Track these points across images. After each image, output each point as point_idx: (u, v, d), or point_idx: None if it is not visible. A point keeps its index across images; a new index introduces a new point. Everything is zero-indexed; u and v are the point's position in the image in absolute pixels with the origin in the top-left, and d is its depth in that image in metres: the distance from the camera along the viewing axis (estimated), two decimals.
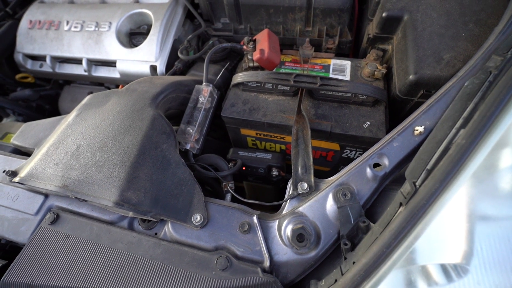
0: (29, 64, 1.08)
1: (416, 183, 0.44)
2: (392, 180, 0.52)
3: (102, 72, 1.02)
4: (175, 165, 0.62)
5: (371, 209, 0.51)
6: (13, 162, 0.74)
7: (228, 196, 0.70)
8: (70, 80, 1.16)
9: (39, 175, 0.62)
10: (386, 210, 0.46)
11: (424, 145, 0.47)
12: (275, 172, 0.78)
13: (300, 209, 0.53)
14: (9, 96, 1.17)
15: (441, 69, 0.62)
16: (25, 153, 0.79)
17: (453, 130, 0.45)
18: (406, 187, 0.45)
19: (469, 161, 0.42)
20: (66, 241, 0.59)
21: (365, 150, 0.73)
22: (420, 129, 0.49)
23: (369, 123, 0.68)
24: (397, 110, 0.74)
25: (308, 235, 0.48)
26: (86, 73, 1.02)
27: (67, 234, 0.60)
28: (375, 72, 0.75)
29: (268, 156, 0.78)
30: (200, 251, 0.53)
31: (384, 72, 0.74)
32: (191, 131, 0.72)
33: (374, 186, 0.50)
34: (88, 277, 0.55)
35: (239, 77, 0.77)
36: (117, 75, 1.00)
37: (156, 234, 0.59)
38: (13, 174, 0.66)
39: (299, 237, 0.48)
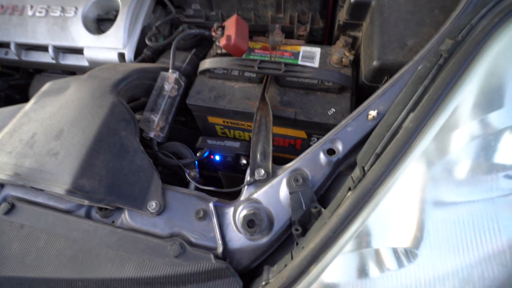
0: None
1: (365, 168, 0.43)
2: (348, 165, 0.52)
3: (71, 60, 0.99)
4: (133, 153, 0.61)
5: (326, 194, 0.51)
6: None
7: (192, 185, 0.69)
8: (39, 68, 1.13)
9: None
10: (337, 195, 0.46)
11: (376, 129, 0.47)
12: (243, 161, 0.78)
13: (255, 195, 0.53)
14: None
15: (404, 55, 0.62)
16: None
17: (403, 114, 0.44)
18: (356, 172, 0.45)
19: (416, 144, 0.41)
20: (20, 231, 0.58)
21: None
22: (373, 113, 0.49)
23: (334, 110, 0.68)
24: (364, 97, 0.73)
25: (258, 221, 0.47)
26: (53, 61, 0.99)
27: (21, 224, 0.58)
28: (343, 59, 0.74)
29: (236, 144, 0.78)
30: (155, 238, 0.53)
31: (352, 58, 0.74)
32: (155, 119, 0.70)
33: (327, 171, 0.50)
34: (42, 266, 0.54)
35: (206, 64, 0.75)
36: (86, 63, 0.96)
37: (113, 222, 0.58)
38: None
39: (249, 223, 0.48)
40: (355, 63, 0.77)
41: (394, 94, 0.49)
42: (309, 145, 0.77)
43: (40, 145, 0.60)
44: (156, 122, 0.70)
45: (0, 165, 0.59)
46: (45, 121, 0.64)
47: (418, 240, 0.42)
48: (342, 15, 0.80)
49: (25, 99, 1.19)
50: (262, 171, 0.54)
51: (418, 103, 0.43)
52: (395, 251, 0.44)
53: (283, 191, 0.51)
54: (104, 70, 0.74)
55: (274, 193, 0.51)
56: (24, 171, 0.57)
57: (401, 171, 0.40)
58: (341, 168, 0.51)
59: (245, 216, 0.48)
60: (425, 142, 0.41)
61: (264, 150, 0.58)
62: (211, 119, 0.78)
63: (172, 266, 0.50)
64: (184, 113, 0.93)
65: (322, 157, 0.50)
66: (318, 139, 0.74)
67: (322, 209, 0.47)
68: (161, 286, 0.50)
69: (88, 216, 0.59)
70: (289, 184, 0.49)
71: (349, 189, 0.44)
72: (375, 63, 0.63)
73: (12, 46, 0.98)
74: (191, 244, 0.52)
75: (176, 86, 0.77)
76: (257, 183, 0.54)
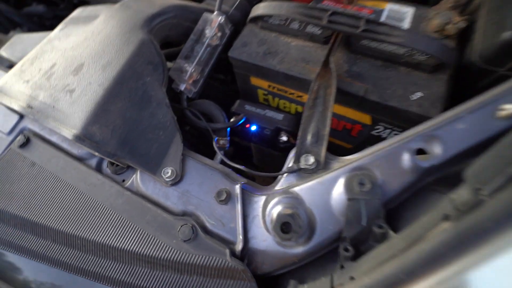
0: None
1: (483, 192, 0.27)
2: (438, 177, 0.36)
3: None
4: (156, 104, 0.50)
5: (397, 211, 0.36)
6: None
7: (219, 156, 0.58)
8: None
9: (7, 91, 0.54)
10: (419, 218, 0.31)
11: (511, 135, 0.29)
12: (283, 137, 0.64)
13: (297, 189, 0.40)
14: (22, 10, 1.09)
15: None
16: None
17: None
18: (462, 194, 0.29)
19: None
20: (31, 169, 0.53)
21: (404, 130, 0.55)
22: (509, 108, 0.31)
23: (421, 95, 0.49)
24: (467, 84, 0.53)
25: (297, 227, 0.35)
26: None
27: (33, 161, 0.53)
28: (447, 26, 0.53)
29: (279, 116, 0.64)
30: (165, 212, 0.44)
31: (463, 26, 0.52)
32: (189, 68, 0.58)
33: (409, 180, 0.34)
34: (44, 212, 0.48)
35: (259, 9, 0.59)
36: None
37: (123, 181, 0.49)
38: None
39: (284, 226, 0.35)
40: (462, 35, 0.55)
41: None
42: (370, 134, 0.61)
43: (57, 78, 0.52)
44: (189, 73, 0.58)
45: (15, 94, 0.53)
46: (67, 52, 0.55)
47: None
48: None
49: None
50: (312, 159, 0.40)
51: None
52: None
53: (337, 193, 0.37)
54: (139, 1, 0.62)
55: (324, 192, 0.37)
56: (37, 104, 0.50)
57: None
58: (430, 179, 0.35)
59: (279, 215, 0.36)
60: None
61: (317, 131, 0.44)
62: (255, 81, 0.64)
63: (179, 251, 0.41)
64: (224, 69, 0.80)
65: (407, 159, 0.34)
66: (384, 128, 0.57)
67: (391, 232, 0.33)
68: (163, 268, 0.42)
69: (98, 168, 0.51)
70: (348, 186, 0.35)
71: (446, 217, 0.29)
72: (509, 34, 0.42)
73: None
74: (205, 230, 0.42)
75: (219, 34, 0.63)
76: (302, 173, 0.41)
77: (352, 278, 0.31)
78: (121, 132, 0.47)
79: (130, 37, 0.54)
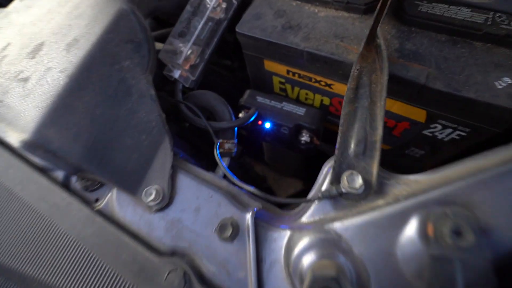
0: None
1: None
2: None
3: None
4: (137, 97, 0.37)
5: None
6: None
7: (225, 163, 0.45)
8: None
9: None
10: None
11: None
12: (305, 137, 0.51)
13: (338, 226, 0.26)
14: None
15: None
16: None
17: None
18: None
19: None
20: None
21: (474, 131, 0.40)
22: None
23: (510, 81, 0.35)
24: None
25: None
26: None
27: None
28: None
29: (300, 110, 0.50)
30: (148, 250, 0.31)
31: None
32: (184, 49, 0.45)
33: None
34: None
35: None
36: None
37: (97, 200, 0.37)
38: None
39: None
40: None
41: None
42: (421, 134, 0.47)
43: (10, 62, 0.39)
44: (185, 55, 0.45)
45: None
46: (25, 28, 0.42)
47: None
48: None
49: None
50: (359, 179, 0.27)
51: None
52: None
53: (409, 241, 0.23)
54: None
55: (384, 237, 0.24)
56: None
57: None
58: None
59: (317, 278, 0.22)
60: None
61: (365, 136, 0.30)
62: (269, 65, 0.49)
63: None
64: (231, 53, 0.66)
65: None
66: (443, 127, 0.43)
67: None
68: None
69: (66, 182, 0.39)
70: (430, 234, 0.22)
71: None
72: None
73: None
74: (202, 278, 0.29)
75: (224, 4, 0.48)
76: (343, 200, 0.28)
77: None
78: (89, 136, 0.34)
79: (104, 8, 0.40)
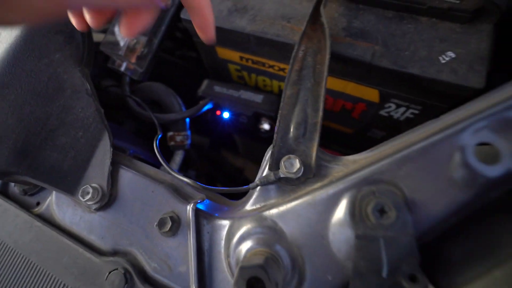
0: None
1: None
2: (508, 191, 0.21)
3: None
4: (71, 93, 0.34)
5: (445, 247, 0.22)
6: None
7: (179, 156, 0.43)
8: None
9: None
10: (489, 261, 0.17)
11: None
12: (265, 125, 0.50)
13: (274, 212, 0.26)
14: None
15: None
16: None
17: None
18: None
19: None
20: None
21: (426, 109, 0.40)
22: None
23: (453, 56, 0.34)
24: None
25: (272, 285, 0.21)
26: None
27: None
28: None
29: (258, 98, 0.49)
30: (88, 250, 0.30)
31: None
32: (126, 39, 0.42)
33: (464, 198, 0.20)
34: None
35: None
36: None
37: (38, 204, 0.35)
38: None
39: (254, 281, 0.21)
40: None
41: None
42: (377, 115, 0.46)
43: None
44: (128, 45, 0.42)
45: None
46: None
47: None
48: None
49: None
50: (297, 163, 0.26)
51: None
52: None
53: (338, 222, 0.23)
54: None
55: (317, 220, 0.23)
56: None
57: None
58: (498, 194, 0.21)
59: (245, 267, 0.22)
60: None
61: (305, 119, 0.29)
62: (222, 52, 0.48)
63: None
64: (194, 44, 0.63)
65: (458, 160, 0.20)
66: (397, 106, 0.43)
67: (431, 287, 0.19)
68: None
69: (3, 188, 0.37)
70: (356, 213, 0.21)
71: None
72: None
73: None
74: (144, 276, 0.28)
75: None
76: (282, 185, 0.27)
77: None
78: (16, 137, 0.31)
79: None
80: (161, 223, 0.28)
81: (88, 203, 0.31)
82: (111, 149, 0.33)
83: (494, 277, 0.17)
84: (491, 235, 0.20)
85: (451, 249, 0.21)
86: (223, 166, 0.80)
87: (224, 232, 0.28)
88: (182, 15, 0.43)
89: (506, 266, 0.17)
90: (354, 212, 0.21)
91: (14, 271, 0.31)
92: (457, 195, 0.19)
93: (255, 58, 0.45)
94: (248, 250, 0.24)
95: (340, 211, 0.22)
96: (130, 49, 0.43)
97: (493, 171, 0.18)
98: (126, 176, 0.32)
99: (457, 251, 0.21)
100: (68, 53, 0.35)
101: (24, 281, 0.30)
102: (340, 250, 0.22)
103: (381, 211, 0.20)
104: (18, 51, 0.33)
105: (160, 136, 0.38)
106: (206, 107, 0.46)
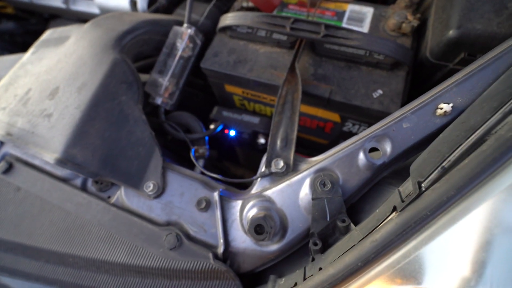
0: None
1: (423, 184, 0.31)
2: (393, 171, 0.39)
3: (81, 6, 0.88)
4: (133, 122, 0.52)
5: (358, 205, 0.40)
6: None
7: (200, 163, 0.61)
8: (53, 14, 1.04)
9: None
10: (375, 211, 0.35)
11: (447, 131, 0.33)
12: (261, 140, 0.67)
13: (269, 192, 0.43)
14: None
15: (499, 24, 0.44)
16: None
17: (497, 115, 0.30)
18: (407, 187, 0.33)
19: None
20: (16, 193, 0.54)
21: (371, 125, 0.59)
22: (446, 107, 0.35)
23: (381, 92, 0.53)
24: (423, 79, 0.57)
25: (269, 228, 0.38)
26: (64, 6, 0.89)
27: (18, 186, 0.55)
28: (403, 25, 0.57)
29: (255, 120, 0.67)
30: (150, 224, 0.46)
31: (415, 25, 0.56)
32: (163, 82, 0.60)
33: (365, 177, 0.38)
34: (34, 235, 0.50)
35: (226, 19, 0.61)
36: (97, 10, 0.86)
37: (109, 197, 0.52)
38: None
39: (258, 227, 0.39)
40: (417, 32, 0.59)
41: (483, 83, 0.34)
42: (342, 131, 0.65)
43: (33, 103, 0.53)
44: (165, 87, 0.60)
45: None
46: (41, 76, 0.56)
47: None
48: None
49: None
50: (281, 163, 0.44)
51: None
52: None
53: (304, 193, 0.40)
54: (109, 19, 0.63)
55: (293, 194, 0.41)
56: (16, 131, 0.51)
57: (479, 201, 0.28)
58: (384, 174, 0.39)
59: (253, 219, 0.39)
60: None
61: (286, 136, 0.47)
62: (229, 88, 0.66)
63: (166, 258, 0.44)
64: (202, 75, 0.82)
65: (362, 158, 0.38)
66: (353, 124, 0.61)
67: (352, 225, 0.36)
68: (153, 276, 0.45)
69: (83, 187, 0.53)
70: (313, 187, 0.39)
71: (394, 208, 0.33)
72: (452, 32, 0.46)
73: None
74: (189, 237, 0.45)
75: (191, 45, 0.65)
76: (274, 177, 0.44)
77: (320, 269, 0.35)
78: (102, 152, 0.49)
79: (102, 58, 0.55)
80: (198, 203, 0.45)
81: (149, 193, 0.48)
82: (161, 158, 0.50)
83: (374, 216, 0.34)
84: (377, 198, 0.38)
85: (360, 206, 0.39)
86: (227, 173, 0.97)
87: (238, 207, 0.45)
88: (202, 65, 0.61)
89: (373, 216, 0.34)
90: (311, 187, 0.39)
91: (100, 239, 0.47)
92: (362, 175, 0.37)
93: (253, 93, 0.64)
94: (253, 215, 0.41)
95: (305, 187, 0.40)
96: (165, 89, 0.61)
97: (377, 161, 0.36)
98: (172, 175, 0.49)
99: (364, 209, 0.38)
100: (130, 96, 0.53)
101: (108, 246, 0.46)
102: (305, 208, 0.39)
103: (324, 184, 0.37)
104: (99, 96, 0.51)
105: (193, 150, 0.55)
106: (218, 128, 0.64)
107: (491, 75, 0.33)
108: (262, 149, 0.70)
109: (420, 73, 0.57)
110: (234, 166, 1.02)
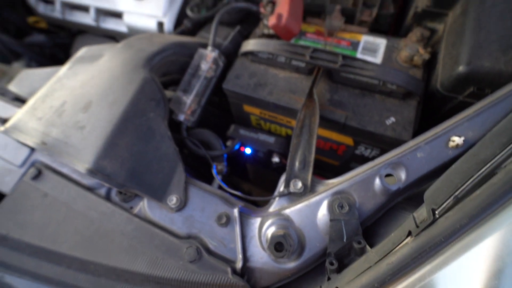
0: (41, 8, 1.03)
1: (437, 212, 0.34)
2: (407, 197, 0.42)
3: (110, 24, 0.95)
4: (159, 138, 0.56)
5: (373, 228, 0.42)
6: (9, 110, 0.72)
7: (216, 182, 0.63)
8: (82, 30, 1.11)
9: (22, 128, 0.58)
10: (391, 234, 0.37)
11: (459, 163, 0.36)
12: (275, 159, 0.70)
13: (288, 211, 0.45)
14: (23, 40, 1.15)
15: (506, 62, 0.47)
16: (24, 101, 0.77)
17: (507, 151, 0.33)
18: (422, 213, 0.35)
19: None
20: (43, 199, 0.57)
21: (382, 150, 0.62)
22: (458, 140, 0.37)
23: (394, 120, 0.56)
24: (434, 109, 0.61)
25: (288, 246, 0.40)
26: (94, 24, 0.96)
27: (45, 192, 0.57)
28: (415, 57, 0.61)
29: (271, 139, 0.70)
30: (171, 236, 0.49)
31: (426, 58, 0.60)
32: (187, 100, 0.64)
33: (381, 201, 0.40)
34: (58, 240, 0.53)
35: (249, 45, 0.66)
36: (125, 29, 0.92)
37: (131, 208, 0.54)
38: (3, 122, 0.64)
39: (277, 245, 0.41)
40: (428, 64, 0.63)
41: (492, 119, 0.37)
42: (354, 154, 0.68)
43: (68, 115, 0.57)
44: (188, 105, 0.64)
45: (30, 131, 0.58)
46: (76, 90, 0.60)
47: None
48: (422, 0, 0.64)
49: (67, 58, 1.21)
50: (300, 184, 0.46)
51: None
52: None
53: (322, 214, 0.43)
54: (139, 40, 0.68)
55: (311, 214, 0.43)
56: (50, 140, 0.55)
57: (491, 230, 0.30)
58: (399, 199, 0.41)
59: (273, 236, 0.41)
60: None
61: (304, 158, 0.50)
62: (247, 108, 0.70)
63: (185, 271, 0.45)
64: (219, 93, 0.86)
65: (378, 183, 0.40)
66: (365, 148, 0.64)
67: (368, 247, 0.38)
68: None
69: (107, 196, 0.56)
70: (330, 209, 0.41)
71: (409, 233, 0.35)
72: (461, 68, 0.50)
73: (57, 4, 0.96)
74: (208, 251, 0.47)
75: (214, 67, 0.69)
76: (292, 197, 0.47)
77: None
78: (129, 164, 0.52)
79: (133, 76, 0.60)
80: (218, 218, 0.48)
81: (172, 206, 0.50)
82: (184, 174, 0.53)
83: (389, 240, 0.36)
84: (391, 222, 0.40)
85: (375, 229, 0.41)
86: (237, 189, 0.99)
87: (257, 224, 0.47)
88: (224, 86, 0.65)
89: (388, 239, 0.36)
90: (329, 208, 0.41)
91: (122, 249, 0.49)
92: (378, 199, 0.40)
93: (270, 114, 0.67)
94: (273, 233, 0.43)
95: (323, 208, 0.42)
96: (188, 106, 0.65)
97: (392, 187, 0.39)
98: (194, 190, 0.52)
99: (379, 232, 0.40)
100: (157, 113, 0.57)
101: (129, 256, 0.48)
102: (322, 229, 0.41)
103: (342, 207, 0.40)
104: (130, 111, 0.55)
105: (214, 166, 0.58)
106: (236, 146, 0.67)
107: (501, 112, 0.36)
108: (276, 167, 0.73)
109: (430, 104, 0.60)
110: (242, 181, 1.04)
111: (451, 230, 0.31)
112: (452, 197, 0.33)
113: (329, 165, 0.78)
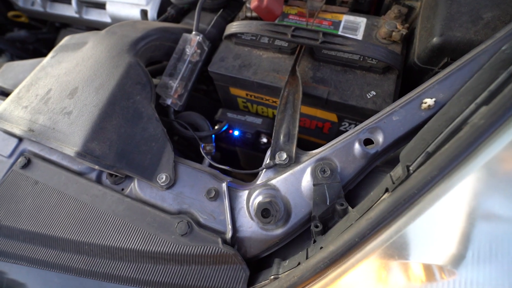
0: (20, 1, 1.02)
1: (410, 168, 0.36)
2: (385, 161, 0.44)
3: (93, 15, 0.94)
4: (147, 119, 0.56)
5: (355, 191, 0.44)
6: None
7: (206, 160, 0.64)
8: (65, 23, 1.09)
9: (7, 117, 0.58)
10: (370, 194, 0.39)
11: (431, 122, 0.38)
12: (263, 139, 0.72)
13: (274, 181, 0.47)
14: (4, 36, 1.13)
15: (476, 32, 0.50)
16: (8, 94, 0.76)
17: (472, 106, 0.35)
18: (397, 171, 0.38)
19: (485, 147, 0.33)
20: (34, 187, 0.57)
21: None
22: (429, 102, 0.39)
23: (374, 93, 0.58)
24: (412, 81, 0.63)
25: (274, 212, 0.42)
26: (77, 15, 0.95)
27: (36, 180, 0.58)
28: (393, 33, 0.62)
29: (258, 120, 0.71)
30: (163, 212, 0.50)
31: (404, 33, 0.62)
32: (173, 85, 0.65)
33: (361, 165, 0.42)
34: (51, 225, 0.53)
35: (232, 28, 0.67)
36: (109, 19, 0.91)
37: (122, 189, 0.55)
38: None
39: (264, 212, 0.43)
40: (406, 40, 0.65)
41: (460, 80, 0.39)
42: (339, 130, 0.70)
43: (54, 102, 0.57)
44: (174, 89, 0.65)
45: (16, 119, 0.58)
46: (61, 78, 0.61)
47: (459, 260, 0.35)
48: None
49: None
50: (284, 155, 0.48)
51: (496, 94, 0.34)
52: (428, 267, 0.37)
53: (306, 181, 0.44)
54: (123, 26, 0.68)
55: (295, 181, 0.45)
56: (37, 127, 0.55)
57: (458, 178, 0.32)
58: (378, 162, 0.43)
59: (259, 204, 0.43)
60: (498, 146, 0.32)
61: (288, 132, 0.51)
62: (233, 91, 0.71)
63: (177, 244, 0.47)
64: (206, 81, 0.87)
65: (357, 147, 0.42)
66: (349, 124, 0.66)
67: (349, 207, 0.40)
68: (165, 262, 0.48)
69: (98, 180, 0.57)
70: (313, 175, 0.43)
71: (386, 190, 0.37)
72: (435, 40, 0.52)
73: None
74: (199, 224, 0.48)
75: (199, 51, 0.70)
76: (277, 168, 0.48)
77: (321, 248, 0.39)
78: (118, 146, 0.53)
79: (118, 61, 0.60)
80: (208, 192, 0.49)
81: (162, 184, 0.51)
82: (173, 153, 0.54)
83: (368, 198, 0.38)
84: (371, 184, 0.42)
85: (357, 192, 0.43)
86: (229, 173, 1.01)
87: (245, 196, 0.48)
88: (209, 68, 0.66)
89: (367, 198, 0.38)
90: (312, 174, 0.43)
91: (115, 228, 0.50)
92: (358, 162, 0.42)
93: (256, 95, 0.69)
94: (259, 201, 0.45)
95: (307, 175, 0.44)
96: (174, 91, 0.66)
97: (371, 150, 0.41)
98: (183, 168, 0.53)
99: (360, 194, 0.42)
100: (144, 96, 0.58)
101: (123, 234, 0.50)
102: (307, 194, 0.43)
103: (324, 171, 0.42)
104: (116, 94, 0.55)
105: (202, 145, 0.59)
106: (224, 127, 0.68)
107: (467, 74, 0.39)
108: (264, 148, 0.74)
109: (409, 77, 0.62)
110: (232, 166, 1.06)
111: (423, 183, 0.33)
112: (424, 153, 0.35)
113: (317, 145, 0.80)
